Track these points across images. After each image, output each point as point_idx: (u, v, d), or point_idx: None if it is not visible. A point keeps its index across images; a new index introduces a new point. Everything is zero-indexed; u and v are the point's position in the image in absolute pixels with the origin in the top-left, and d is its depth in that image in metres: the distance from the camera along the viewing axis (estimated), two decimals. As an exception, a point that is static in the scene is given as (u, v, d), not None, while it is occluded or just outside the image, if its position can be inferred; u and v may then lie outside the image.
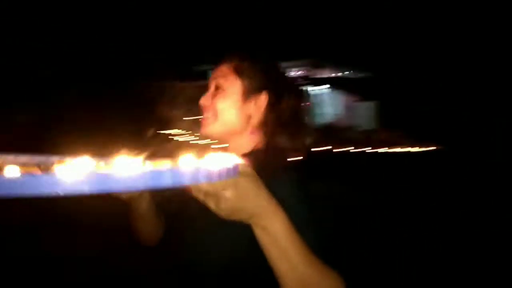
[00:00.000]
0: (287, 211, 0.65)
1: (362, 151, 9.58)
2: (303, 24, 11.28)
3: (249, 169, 0.62)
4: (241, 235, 0.67)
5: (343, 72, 12.66)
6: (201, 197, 0.60)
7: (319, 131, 10.70)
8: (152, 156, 0.64)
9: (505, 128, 9.65)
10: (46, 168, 0.60)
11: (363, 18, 10.95)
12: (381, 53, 11.55)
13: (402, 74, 11.70)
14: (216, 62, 1.00)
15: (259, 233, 0.63)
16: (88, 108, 7.62)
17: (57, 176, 0.42)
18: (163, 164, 0.52)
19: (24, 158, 0.71)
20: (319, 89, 11.91)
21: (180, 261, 0.94)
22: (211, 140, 1.00)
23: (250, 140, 0.94)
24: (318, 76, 11.87)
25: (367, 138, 10.66)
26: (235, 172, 0.57)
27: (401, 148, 10.23)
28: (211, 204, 0.60)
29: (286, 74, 1.01)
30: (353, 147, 9.60)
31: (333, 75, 12.36)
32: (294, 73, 12.21)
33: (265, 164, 0.81)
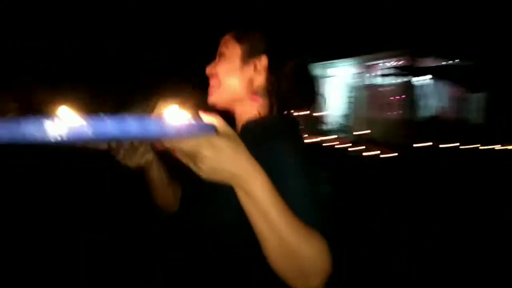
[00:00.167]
0: (277, 164, 0.70)
1: (475, 147, 8.69)
2: (400, 9, 10.54)
3: (229, 130, 0.62)
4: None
5: (447, 61, 11.59)
6: (181, 157, 0.62)
7: (422, 125, 9.98)
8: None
9: None
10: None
11: None
12: (491, 38, 10.32)
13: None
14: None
15: (240, 194, 0.64)
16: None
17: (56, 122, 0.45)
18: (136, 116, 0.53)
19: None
20: (421, 80, 11.06)
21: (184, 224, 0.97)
22: (217, 109, 0.97)
23: (253, 106, 0.93)
24: (420, 65, 11.00)
25: (477, 133, 9.64)
26: (210, 130, 0.58)
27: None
28: (191, 164, 0.61)
29: (294, 42, 0.98)
30: (459, 143, 8.76)
31: (437, 64, 11.37)
32: (391, 63, 11.52)
33: (267, 130, 0.86)
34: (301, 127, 0.95)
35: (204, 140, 0.57)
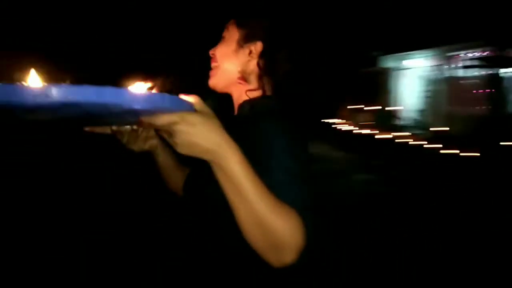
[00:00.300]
0: (264, 143, 0.75)
1: None
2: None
3: (206, 108, 0.66)
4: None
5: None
6: (160, 132, 0.67)
7: (510, 121, 9.09)
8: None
9: None
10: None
11: None
12: None
13: None
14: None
15: (215, 169, 0.67)
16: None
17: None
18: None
19: None
20: (509, 72, 10.07)
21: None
22: (217, 92, 1.04)
23: (248, 89, 0.97)
24: (508, 56, 10.00)
25: None
26: (188, 108, 0.62)
27: None
28: (168, 138, 0.66)
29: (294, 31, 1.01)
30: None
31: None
32: (474, 54, 10.62)
33: (257, 111, 0.91)
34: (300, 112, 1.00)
35: (179, 116, 0.61)
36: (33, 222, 3.52)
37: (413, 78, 12.34)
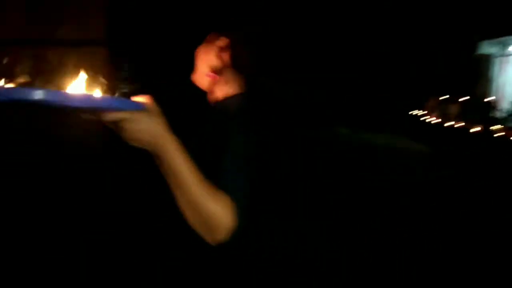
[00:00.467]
0: (225, 140, 0.85)
1: None
2: None
3: (154, 107, 0.74)
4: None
5: None
6: (109, 125, 0.74)
7: None
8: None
9: None
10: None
11: None
12: None
13: None
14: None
15: (157, 160, 0.77)
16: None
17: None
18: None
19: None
20: None
21: None
22: (204, 91, 1.08)
23: (221, 86, 1.02)
24: None
25: None
26: (139, 107, 0.71)
27: None
28: (116, 131, 0.74)
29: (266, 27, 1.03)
30: None
31: None
32: None
33: (227, 111, 0.96)
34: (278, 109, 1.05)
35: (128, 114, 0.70)
36: (33, 222, 3.51)
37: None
